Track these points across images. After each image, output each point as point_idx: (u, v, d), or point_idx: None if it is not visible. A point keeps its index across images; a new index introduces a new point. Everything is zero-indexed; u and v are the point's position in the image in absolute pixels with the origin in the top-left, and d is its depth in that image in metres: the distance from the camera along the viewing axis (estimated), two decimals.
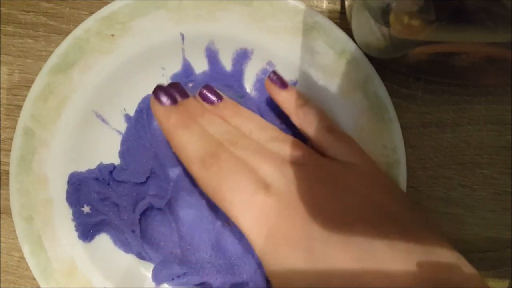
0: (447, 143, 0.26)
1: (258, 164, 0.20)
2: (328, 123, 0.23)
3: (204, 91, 0.23)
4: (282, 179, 0.20)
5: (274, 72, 0.24)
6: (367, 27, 0.21)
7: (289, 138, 0.22)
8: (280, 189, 0.19)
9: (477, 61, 0.22)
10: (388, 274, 0.17)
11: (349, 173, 0.21)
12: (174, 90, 0.22)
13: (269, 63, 0.25)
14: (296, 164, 0.21)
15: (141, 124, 0.26)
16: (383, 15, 0.19)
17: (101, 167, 0.26)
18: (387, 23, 0.19)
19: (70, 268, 0.25)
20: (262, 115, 0.25)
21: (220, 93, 0.24)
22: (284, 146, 0.22)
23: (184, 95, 0.23)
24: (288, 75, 0.25)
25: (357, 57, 0.24)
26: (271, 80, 0.23)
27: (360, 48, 0.24)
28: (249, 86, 0.26)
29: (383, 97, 0.24)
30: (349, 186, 0.20)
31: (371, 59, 0.24)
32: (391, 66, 0.25)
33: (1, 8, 0.27)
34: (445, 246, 0.19)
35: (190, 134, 0.21)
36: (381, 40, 0.21)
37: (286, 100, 0.23)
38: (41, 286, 0.25)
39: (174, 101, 0.22)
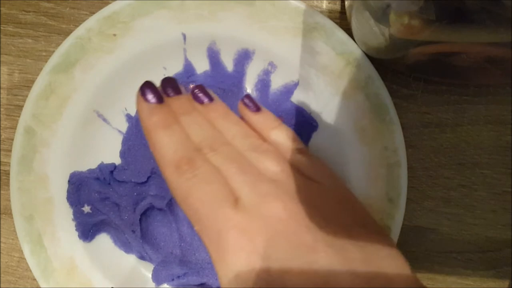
0: (447, 143, 0.26)
1: (232, 175, 0.20)
2: (300, 146, 0.23)
3: (196, 90, 0.23)
4: (253, 194, 0.20)
5: (248, 96, 0.24)
6: (367, 27, 0.21)
7: (270, 149, 0.22)
8: (247, 205, 0.19)
9: (477, 61, 0.22)
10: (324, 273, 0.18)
11: (322, 193, 0.21)
12: (168, 85, 0.23)
13: (271, 64, 0.25)
14: (271, 179, 0.20)
15: None
16: (383, 15, 0.19)
17: (101, 166, 0.26)
18: (387, 23, 0.19)
19: (70, 268, 0.25)
20: None
21: (212, 94, 0.24)
22: (263, 158, 0.21)
23: (177, 91, 0.23)
24: (289, 76, 0.25)
25: (358, 57, 0.24)
26: (245, 104, 0.24)
27: (361, 48, 0.24)
28: (250, 86, 0.26)
29: (384, 98, 0.24)
30: (319, 206, 0.20)
31: (371, 59, 0.24)
32: (391, 66, 0.25)
33: (1, 8, 0.27)
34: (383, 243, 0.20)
35: (169, 136, 0.21)
36: (381, 40, 0.21)
37: (261, 122, 0.23)
38: (41, 286, 0.25)
39: (159, 100, 0.22)
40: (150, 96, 0.22)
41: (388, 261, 0.19)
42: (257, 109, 0.24)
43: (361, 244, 0.19)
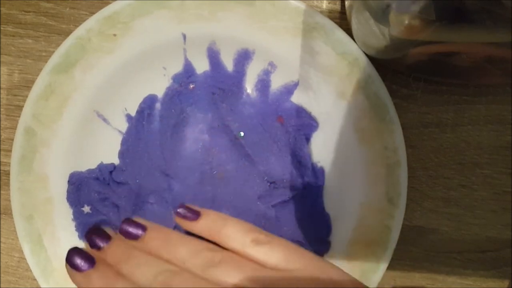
0: (447, 143, 0.26)
1: None
2: (253, 235, 0.22)
3: (124, 226, 0.22)
4: None
5: (181, 206, 0.23)
6: (367, 27, 0.21)
7: (225, 257, 0.21)
8: None
9: (477, 61, 0.22)
10: None
11: (292, 282, 0.20)
12: (94, 237, 0.22)
13: (271, 64, 0.25)
14: None
15: (141, 125, 0.26)
16: (383, 15, 0.19)
17: (101, 166, 0.26)
18: (387, 23, 0.19)
19: None
20: (262, 117, 0.25)
21: (144, 222, 0.23)
22: (222, 270, 0.20)
23: (105, 238, 0.22)
24: (289, 76, 0.25)
25: (358, 57, 0.24)
26: (181, 215, 0.23)
27: (361, 48, 0.24)
28: (250, 86, 0.26)
29: (384, 98, 0.24)
30: None
31: (371, 59, 0.24)
32: (391, 66, 0.25)
33: (1, 8, 0.27)
34: None
35: None
36: (381, 40, 0.21)
37: (205, 228, 0.22)
38: (41, 286, 0.25)
39: (91, 263, 0.21)
40: (81, 264, 0.21)
41: None
42: (196, 215, 0.23)
43: None
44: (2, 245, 0.28)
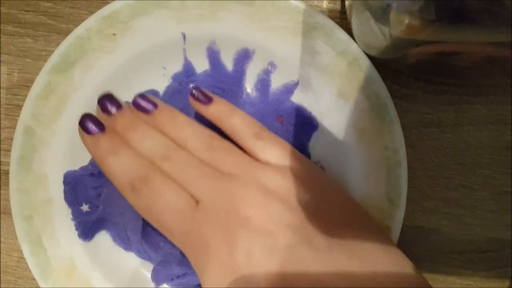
0: (447, 143, 0.26)
1: (190, 179, 0.21)
2: (256, 130, 0.23)
3: (138, 99, 0.23)
4: (212, 193, 0.20)
5: (197, 88, 0.24)
6: (367, 27, 0.21)
7: (223, 145, 0.22)
8: (209, 204, 0.20)
9: (478, 61, 0.22)
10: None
11: (280, 177, 0.21)
12: (107, 102, 0.23)
13: (271, 64, 0.25)
14: (227, 175, 0.21)
15: None
16: (383, 15, 0.19)
17: (93, 161, 0.26)
18: (387, 23, 0.19)
19: (69, 268, 0.25)
20: (262, 116, 0.25)
21: (156, 100, 0.23)
22: (218, 155, 0.22)
23: (117, 106, 0.23)
24: (289, 76, 0.25)
25: (358, 57, 0.24)
26: (195, 97, 0.23)
27: (361, 48, 0.24)
28: (250, 86, 0.26)
29: (384, 98, 0.24)
30: (279, 191, 0.20)
31: (371, 59, 0.24)
32: (392, 66, 0.25)
33: (1, 8, 0.27)
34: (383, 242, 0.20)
35: (120, 160, 0.21)
36: (382, 40, 0.21)
37: (214, 113, 0.23)
38: (40, 286, 0.25)
39: (101, 128, 0.22)
40: (91, 127, 0.22)
41: (386, 260, 0.19)
42: (209, 100, 0.23)
43: (348, 242, 0.20)
44: (1, 244, 0.28)
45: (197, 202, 0.20)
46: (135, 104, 0.23)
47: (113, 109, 0.23)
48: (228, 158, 0.22)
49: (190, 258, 0.20)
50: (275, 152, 0.22)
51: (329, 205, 0.21)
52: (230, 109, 0.23)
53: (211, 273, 0.19)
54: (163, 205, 0.20)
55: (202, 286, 0.20)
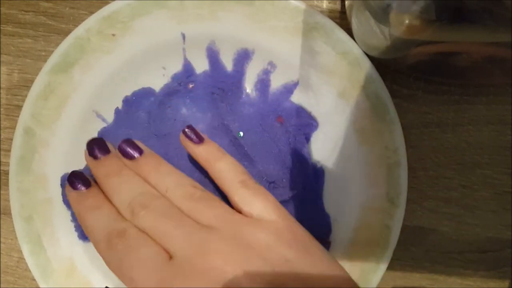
0: (447, 143, 0.26)
1: (165, 230, 0.20)
2: (243, 177, 0.23)
3: (124, 145, 0.24)
4: (188, 247, 0.20)
5: (190, 127, 0.24)
6: (367, 27, 0.21)
7: (204, 196, 0.22)
8: (183, 259, 0.20)
9: (478, 61, 0.22)
10: None
11: (262, 232, 0.20)
12: (95, 146, 0.24)
13: (270, 63, 0.25)
14: (206, 228, 0.20)
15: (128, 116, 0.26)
16: (383, 15, 0.19)
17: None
18: (387, 23, 0.19)
19: (69, 268, 0.25)
20: (262, 116, 0.25)
21: (142, 146, 0.24)
22: (198, 206, 0.21)
23: (104, 151, 0.24)
24: (288, 76, 0.25)
25: (358, 57, 0.24)
26: (186, 136, 0.24)
27: (361, 48, 0.24)
28: (249, 86, 0.26)
29: (384, 98, 0.24)
30: (260, 247, 0.20)
31: (371, 59, 0.24)
32: (392, 66, 0.25)
33: (1, 8, 0.27)
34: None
35: (97, 216, 0.22)
36: (382, 40, 0.21)
37: (203, 155, 0.23)
38: (40, 286, 0.25)
39: (87, 185, 0.23)
40: (79, 185, 0.23)
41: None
42: (200, 140, 0.23)
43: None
44: (1, 245, 0.28)
45: (171, 256, 0.20)
46: (120, 149, 0.24)
47: (99, 155, 0.23)
48: (208, 210, 0.21)
49: None
50: (259, 204, 0.22)
51: (310, 261, 0.20)
52: (219, 153, 0.23)
53: None
54: (135, 260, 0.20)
55: None
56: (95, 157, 0.23)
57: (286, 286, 0.19)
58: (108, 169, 0.23)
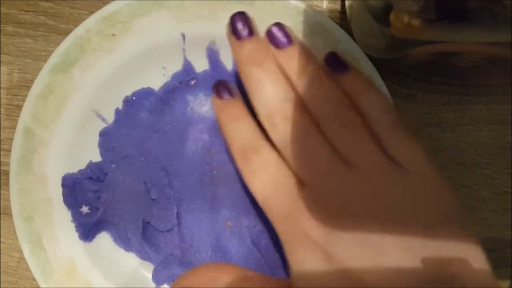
0: (447, 143, 0.26)
1: (300, 153, 0.19)
2: (395, 116, 0.20)
3: (273, 28, 0.21)
4: (321, 179, 0.19)
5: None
6: (367, 27, 0.21)
7: (353, 123, 0.20)
8: (315, 191, 0.19)
9: (478, 61, 0.22)
10: (393, 272, 0.17)
11: (405, 183, 0.19)
12: (239, 22, 0.21)
13: None
14: (347, 165, 0.19)
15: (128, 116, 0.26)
16: (383, 15, 0.19)
17: (91, 165, 0.26)
18: (387, 23, 0.19)
19: (69, 268, 0.25)
20: None
21: (292, 36, 0.21)
22: (344, 133, 0.20)
23: (250, 30, 0.21)
24: None
25: (358, 57, 0.24)
26: (330, 66, 0.22)
27: (361, 48, 0.24)
28: None
29: None
30: (397, 199, 0.19)
31: (371, 59, 0.24)
32: (392, 66, 0.25)
33: (1, 8, 0.27)
34: (463, 240, 0.18)
35: (238, 127, 0.21)
36: (382, 40, 0.21)
37: (347, 85, 0.21)
38: (41, 286, 0.25)
39: (233, 95, 0.22)
40: (224, 94, 0.22)
41: (465, 266, 0.18)
42: (346, 68, 0.22)
43: (438, 246, 0.18)
44: (2, 245, 0.28)
45: (303, 184, 0.19)
46: (269, 33, 0.21)
47: (244, 32, 0.20)
48: (354, 142, 0.19)
49: (282, 242, 0.19)
50: (405, 151, 0.20)
51: (430, 205, 0.19)
52: (365, 81, 0.21)
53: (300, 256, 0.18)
54: (268, 181, 0.19)
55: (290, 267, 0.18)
56: (238, 35, 0.20)
57: (411, 244, 0.17)
58: (252, 54, 0.20)
